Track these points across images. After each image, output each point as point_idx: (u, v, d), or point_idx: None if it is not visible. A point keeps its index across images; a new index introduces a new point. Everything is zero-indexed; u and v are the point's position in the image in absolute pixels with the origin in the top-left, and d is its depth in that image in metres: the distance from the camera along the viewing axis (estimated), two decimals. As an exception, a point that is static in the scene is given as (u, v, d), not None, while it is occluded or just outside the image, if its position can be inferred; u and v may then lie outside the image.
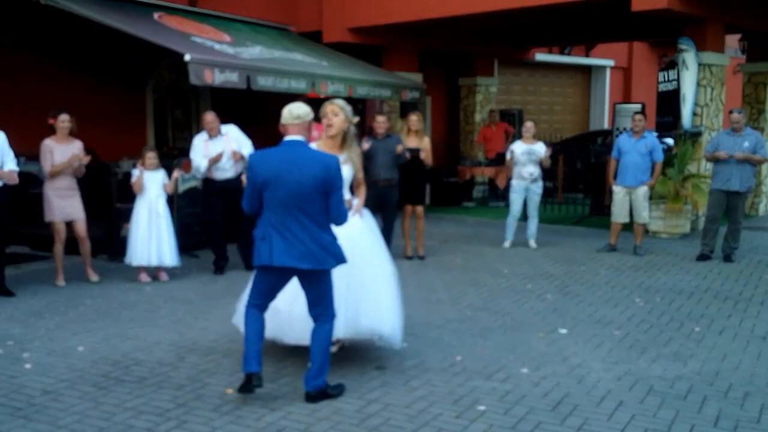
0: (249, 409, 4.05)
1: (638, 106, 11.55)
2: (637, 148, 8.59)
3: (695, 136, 10.38)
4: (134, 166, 7.43)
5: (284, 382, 4.48)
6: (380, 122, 8.14)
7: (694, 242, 9.26)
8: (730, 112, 8.44)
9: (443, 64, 14.95)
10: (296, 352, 5.10)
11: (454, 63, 14.99)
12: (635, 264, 8.24)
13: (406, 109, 12.06)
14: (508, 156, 9.14)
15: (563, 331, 5.61)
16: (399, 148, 7.99)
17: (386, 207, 8.14)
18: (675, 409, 4.10)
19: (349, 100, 10.83)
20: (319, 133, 7.68)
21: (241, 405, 4.11)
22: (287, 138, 4.12)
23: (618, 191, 8.76)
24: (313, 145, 4.49)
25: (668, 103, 10.67)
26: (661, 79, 10.92)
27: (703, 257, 8.37)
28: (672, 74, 10.56)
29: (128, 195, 7.49)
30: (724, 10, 10.39)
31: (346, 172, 4.62)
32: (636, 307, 6.36)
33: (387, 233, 8.30)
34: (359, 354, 5.02)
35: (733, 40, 13.81)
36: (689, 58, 10.30)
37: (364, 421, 3.92)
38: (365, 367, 4.77)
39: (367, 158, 7.96)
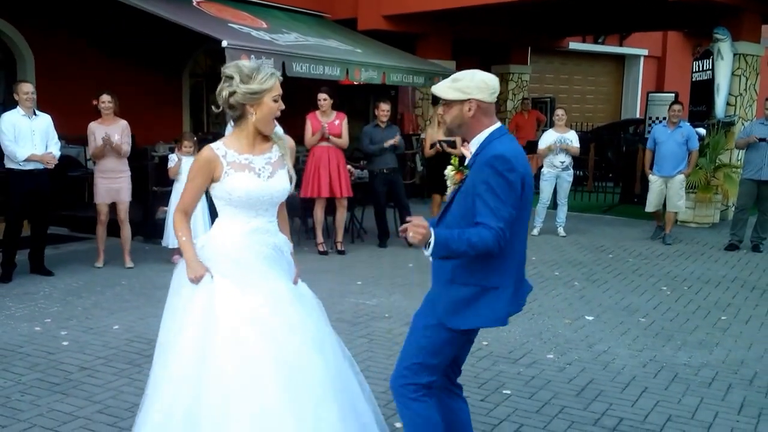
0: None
1: (672, 96, 11.44)
2: (673, 138, 8.57)
3: (728, 125, 10.26)
4: (172, 151, 7.60)
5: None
6: (384, 110, 8.24)
7: (722, 232, 9.19)
8: (766, 99, 8.35)
9: (477, 52, 14.90)
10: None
11: (487, 51, 14.93)
12: (663, 252, 8.22)
13: (437, 96, 12.09)
14: (542, 145, 9.13)
15: (589, 317, 5.66)
16: (395, 140, 8.11)
17: (397, 194, 8.39)
18: (699, 396, 4.14)
19: (383, 86, 11.06)
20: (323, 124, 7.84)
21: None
22: (497, 125, 2.68)
23: (654, 180, 8.75)
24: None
25: (702, 92, 10.58)
26: (695, 68, 10.81)
27: (731, 247, 8.33)
28: (707, 64, 10.45)
29: (164, 179, 7.65)
30: (760, 0, 10.22)
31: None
32: (663, 295, 6.38)
33: (402, 218, 8.46)
34: (387, 336, 5.14)
35: (768, 31, 13.54)
36: (724, 47, 10.18)
37: (389, 403, 3.96)
38: (392, 348, 4.84)
39: (381, 149, 8.15)
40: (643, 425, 3.76)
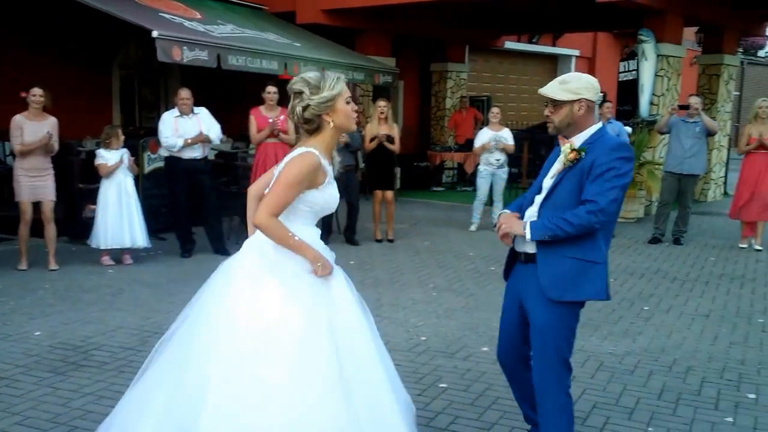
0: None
1: (600, 95, 11.79)
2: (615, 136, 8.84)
3: (652, 124, 10.67)
4: (98, 145, 7.29)
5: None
6: None
7: (646, 226, 9.58)
8: (689, 96, 8.78)
9: (416, 49, 14.99)
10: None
11: (426, 48, 15.04)
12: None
13: (378, 93, 12.11)
14: (477, 144, 9.29)
15: (524, 312, 5.77)
16: (342, 140, 8.07)
17: (350, 192, 8.35)
18: (623, 383, 4.29)
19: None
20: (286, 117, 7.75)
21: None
22: (600, 124, 2.92)
23: None
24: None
25: (628, 92, 10.97)
26: (621, 68, 11.19)
27: (654, 240, 8.69)
28: (632, 64, 10.84)
29: (91, 175, 7.33)
30: (682, 3, 10.67)
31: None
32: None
33: (352, 217, 8.46)
34: None
35: (690, 33, 14.15)
36: (648, 48, 10.57)
37: None
38: None
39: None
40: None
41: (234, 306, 2.66)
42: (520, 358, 3.13)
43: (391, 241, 8.66)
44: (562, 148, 2.84)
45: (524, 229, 2.77)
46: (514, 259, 3.09)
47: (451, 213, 10.96)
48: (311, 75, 2.76)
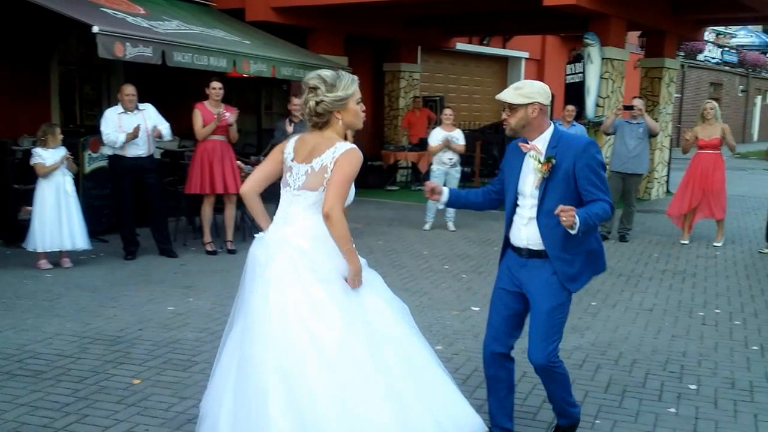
0: (157, 399, 3.95)
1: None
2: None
3: (597, 125, 10.89)
4: (35, 144, 7.02)
5: (197, 369, 4.42)
6: (296, 104, 8.12)
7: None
8: (633, 98, 9.00)
9: (369, 48, 14.98)
10: (206, 338, 5.07)
11: (379, 48, 15.04)
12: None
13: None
14: (433, 142, 9.33)
15: (476, 308, 5.80)
16: (289, 131, 8.01)
17: None
18: (572, 377, 4.29)
19: (273, 80, 10.84)
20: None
21: (149, 395, 4.00)
22: (553, 124, 3.26)
23: None
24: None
25: (575, 94, 11.16)
26: (568, 71, 11.41)
27: (601, 238, 8.86)
28: (578, 67, 11.06)
29: (28, 175, 7.06)
30: (625, 7, 10.95)
31: None
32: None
33: None
34: None
35: (633, 37, 14.54)
36: (594, 52, 10.81)
37: None
38: None
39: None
40: (522, 408, 3.90)
41: (285, 314, 2.80)
42: (507, 348, 3.35)
43: (343, 240, 8.59)
44: (533, 165, 3.10)
45: (574, 225, 2.95)
46: (504, 255, 3.37)
47: (405, 212, 10.98)
48: (327, 73, 2.94)
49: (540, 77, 20.14)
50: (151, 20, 8.55)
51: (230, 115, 7.58)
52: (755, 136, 33.80)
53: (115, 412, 3.78)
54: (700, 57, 28.23)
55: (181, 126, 8.10)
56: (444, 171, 9.35)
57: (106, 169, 7.97)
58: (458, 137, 9.34)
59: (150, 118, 7.34)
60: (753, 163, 20.24)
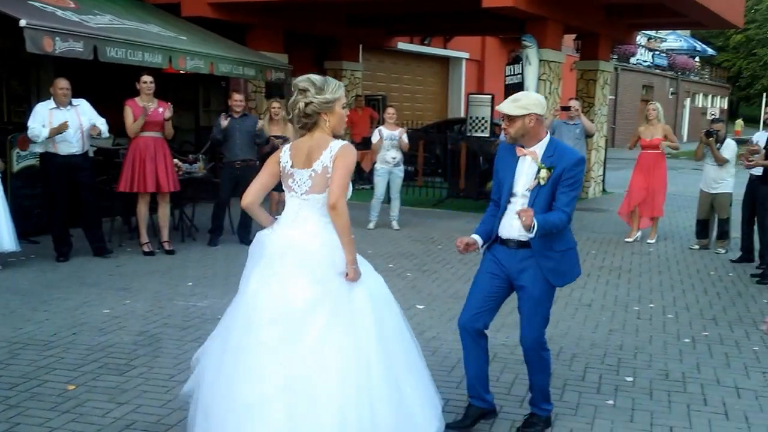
0: (93, 405, 3.82)
1: (488, 97, 12.19)
2: None
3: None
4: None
5: (134, 374, 4.29)
6: (237, 100, 7.99)
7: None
8: (569, 99, 9.20)
9: (310, 46, 14.87)
10: (144, 342, 4.93)
11: (320, 46, 14.96)
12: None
13: (271, 89, 11.88)
14: (375, 139, 9.33)
15: (420, 306, 5.83)
16: (259, 124, 7.90)
17: (245, 189, 8.05)
18: (515, 372, 4.41)
19: (211, 77, 10.63)
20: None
21: (84, 401, 3.86)
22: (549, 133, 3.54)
23: None
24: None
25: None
26: (507, 72, 11.61)
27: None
28: (517, 68, 11.27)
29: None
30: (561, 11, 11.21)
31: None
32: (486, 283, 6.75)
33: (245, 217, 8.24)
34: None
35: (569, 40, 14.92)
36: (532, 54, 11.03)
37: None
38: None
39: (224, 138, 7.89)
40: (466, 404, 3.90)
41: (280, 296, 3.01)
42: (483, 325, 3.60)
43: (286, 241, 8.50)
44: (530, 166, 3.42)
45: (532, 228, 3.25)
46: (491, 246, 3.62)
47: (349, 211, 10.89)
48: (316, 77, 3.12)
49: (480, 78, 20.49)
50: (81, 14, 8.25)
51: (164, 111, 7.39)
52: (685, 137, 35.17)
53: (49, 420, 3.64)
54: (633, 60, 29.21)
55: (116, 123, 7.85)
56: (387, 170, 9.37)
57: (36, 168, 7.66)
58: (401, 137, 9.38)
59: (84, 114, 7.09)
60: (683, 162, 21.04)
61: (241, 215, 8.32)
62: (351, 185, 3.17)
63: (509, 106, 3.39)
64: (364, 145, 13.38)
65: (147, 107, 7.25)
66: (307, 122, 3.11)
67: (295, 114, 3.11)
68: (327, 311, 2.99)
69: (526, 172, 3.43)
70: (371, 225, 9.45)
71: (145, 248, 7.53)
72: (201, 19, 11.11)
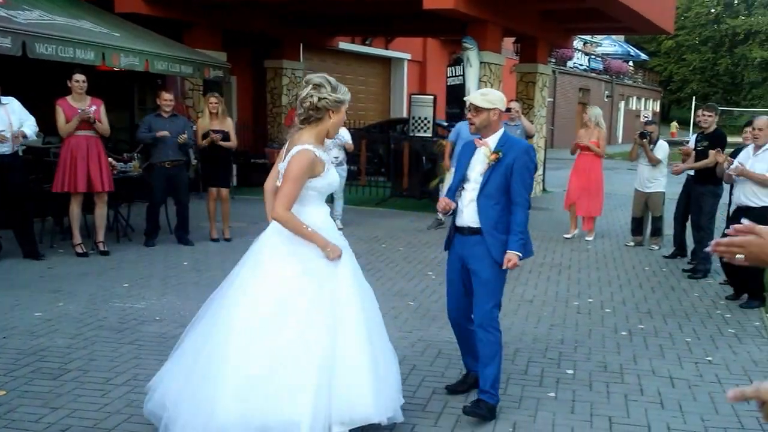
0: (25, 411, 3.67)
1: (431, 98, 12.29)
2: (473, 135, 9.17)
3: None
4: None
5: (69, 378, 4.14)
6: (166, 99, 7.83)
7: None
8: (510, 101, 9.35)
9: (250, 45, 14.67)
10: (79, 345, 4.76)
11: (261, 45, 14.78)
12: (429, 241, 8.78)
13: (209, 87, 11.66)
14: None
15: (363, 305, 5.80)
16: (182, 138, 7.72)
17: (178, 189, 7.98)
18: (459, 368, 4.41)
19: (147, 75, 10.35)
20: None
21: (16, 406, 3.71)
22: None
23: (453, 172, 9.30)
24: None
25: (456, 96, 11.47)
26: (449, 73, 11.72)
27: (437, 223, 9.21)
28: (458, 70, 11.38)
29: None
30: (500, 14, 11.40)
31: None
32: (429, 280, 6.79)
33: (182, 215, 8.07)
34: (158, 341, 4.80)
35: (509, 43, 15.21)
36: (472, 56, 11.17)
37: None
38: (164, 353, 4.55)
39: (154, 139, 7.72)
40: (413, 400, 3.95)
41: (261, 278, 3.23)
42: (467, 312, 3.91)
43: (228, 240, 8.36)
44: (483, 152, 3.72)
45: (518, 257, 3.68)
46: (451, 238, 3.90)
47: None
48: (330, 78, 3.33)
49: (422, 78, 20.64)
50: (9, 9, 7.91)
51: (95, 109, 7.14)
52: (620, 139, 36.32)
53: (-23, 429, 3.48)
54: (570, 64, 29.97)
55: (45, 122, 7.55)
56: (330, 169, 9.33)
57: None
58: (345, 136, 9.34)
59: (14, 113, 6.79)
60: (618, 163, 21.71)
61: (178, 215, 8.14)
62: (335, 176, 3.42)
63: (479, 98, 3.70)
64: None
65: (85, 111, 6.99)
66: (314, 116, 3.26)
67: (306, 107, 3.25)
68: (310, 291, 3.18)
69: (482, 160, 3.75)
70: (314, 225, 9.39)
71: (78, 249, 7.27)
72: (136, 16, 10.82)
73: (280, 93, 14.87)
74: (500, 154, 3.68)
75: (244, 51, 14.49)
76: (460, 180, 3.82)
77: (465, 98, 3.82)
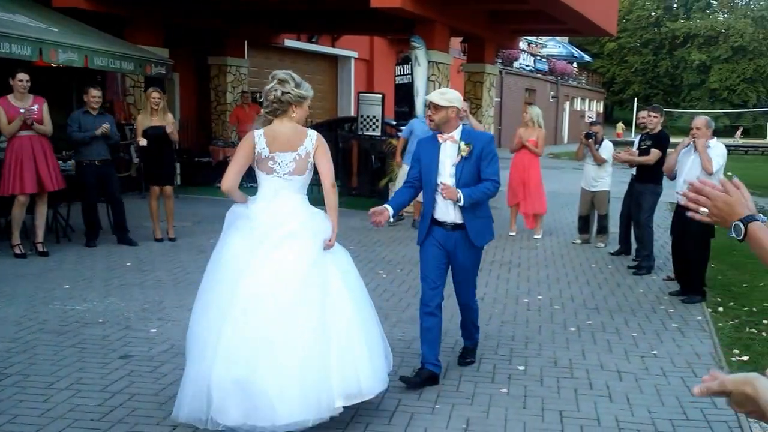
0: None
1: (379, 96, 12.28)
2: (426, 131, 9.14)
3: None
4: None
5: (8, 383, 3.98)
6: (94, 96, 7.62)
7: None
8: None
9: (193, 41, 14.37)
10: (18, 349, 4.57)
11: (204, 41, 14.49)
12: (380, 240, 8.77)
13: (151, 84, 11.38)
14: None
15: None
16: (104, 128, 7.50)
17: (109, 188, 7.80)
18: (411, 366, 4.43)
19: (87, 71, 10.00)
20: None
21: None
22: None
23: (405, 168, 9.25)
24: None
25: (404, 94, 11.49)
26: (397, 72, 11.73)
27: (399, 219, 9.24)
28: (407, 69, 11.40)
29: None
30: (448, 14, 11.47)
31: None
32: (380, 278, 6.79)
33: (117, 213, 7.85)
34: (102, 343, 4.67)
35: (456, 43, 15.34)
36: (420, 55, 11.21)
37: (106, 415, 3.65)
38: (108, 356, 4.47)
39: (85, 139, 7.51)
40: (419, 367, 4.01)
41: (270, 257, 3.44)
42: (439, 300, 4.24)
43: (172, 239, 8.16)
44: (459, 146, 4.10)
45: (459, 195, 4.01)
46: (429, 230, 4.22)
47: (240, 210, 10.61)
48: (294, 75, 3.59)
49: (369, 77, 20.61)
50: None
51: (38, 108, 6.89)
52: (565, 139, 37.10)
53: None
54: (516, 65, 30.44)
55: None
56: (278, 168, 9.20)
57: None
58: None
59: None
60: (564, 162, 22.18)
61: (114, 215, 7.92)
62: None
63: (438, 97, 4.09)
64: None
65: (28, 111, 6.76)
66: (278, 109, 3.53)
67: (270, 99, 3.52)
68: (311, 273, 3.43)
69: (449, 154, 4.12)
70: (260, 223, 9.25)
71: (17, 250, 7.00)
72: (75, 11, 10.45)
73: (224, 90, 14.63)
74: (471, 146, 4.07)
75: (187, 47, 14.18)
76: (424, 174, 4.15)
77: (426, 96, 3.99)
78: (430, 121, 4.14)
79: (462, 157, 4.07)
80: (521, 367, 4.56)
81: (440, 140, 4.14)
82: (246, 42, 15.20)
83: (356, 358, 3.45)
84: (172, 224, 8.27)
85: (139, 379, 4.13)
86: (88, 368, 4.23)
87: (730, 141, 33.57)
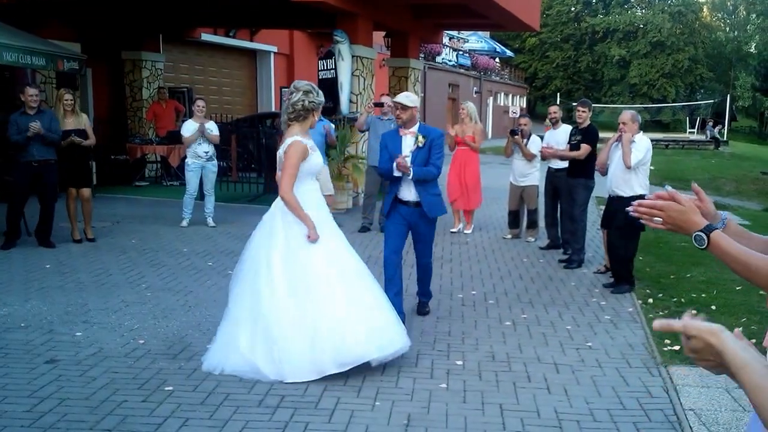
0: None
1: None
2: (318, 131, 8.96)
3: (352, 120, 11.19)
4: None
5: None
6: (32, 95, 7.21)
7: (355, 216, 9.95)
8: (381, 95, 9.37)
9: (106, 35, 13.72)
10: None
11: (118, 35, 13.87)
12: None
13: (63, 80, 10.80)
14: (187, 133, 8.83)
15: (247, 305, 5.56)
16: (33, 128, 7.05)
17: (45, 189, 7.41)
18: (358, 367, 4.31)
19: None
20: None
21: None
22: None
23: None
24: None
25: (328, 89, 11.32)
26: (320, 67, 11.58)
27: (363, 229, 9.15)
28: (330, 63, 11.27)
29: None
30: (371, 8, 11.41)
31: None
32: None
33: (45, 216, 7.43)
34: (26, 348, 4.46)
35: (379, 37, 15.33)
36: (344, 49, 11.10)
37: (36, 421, 3.47)
38: (33, 361, 4.25)
39: (25, 140, 7.08)
40: (304, 398, 3.91)
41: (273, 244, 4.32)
42: (400, 257, 5.32)
43: (91, 240, 7.80)
44: (416, 138, 5.17)
45: (410, 171, 5.09)
46: (395, 207, 5.28)
47: (159, 209, 10.26)
48: (314, 85, 4.39)
49: (290, 71, 20.26)
50: None
51: None
52: (490, 134, 37.74)
53: None
54: (438, 59, 30.71)
55: None
56: (200, 165, 8.93)
57: None
58: (212, 129, 8.99)
59: None
60: (490, 157, 22.52)
61: (42, 216, 7.48)
62: (319, 159, 4.39)
63: (405, 99, 5.20)
64: (169, 139, 12.67)
65: None
66: (303, 114, 4.28)
67: (298, 108, 4.25)
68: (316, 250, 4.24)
69: (408, 144, 5.24)
70: (185, 223, 8.96)
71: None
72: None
73: (140, 86, 14.09)
74: (426, 138, 5.16)
75: (100, 42, 13.53)
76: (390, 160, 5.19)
77: (396, 98, 5.37)
78: (398, 118, 5.20)
79: (418, 146, 5.16)
80: (459, 362, 4.55)
81: (401, 134, 5.24)
82: (161, 36, 14.66)
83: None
84: (90, 225, 7.90)
85: (67, 384, 3.94)
86: (14, 374, 4.03)
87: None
